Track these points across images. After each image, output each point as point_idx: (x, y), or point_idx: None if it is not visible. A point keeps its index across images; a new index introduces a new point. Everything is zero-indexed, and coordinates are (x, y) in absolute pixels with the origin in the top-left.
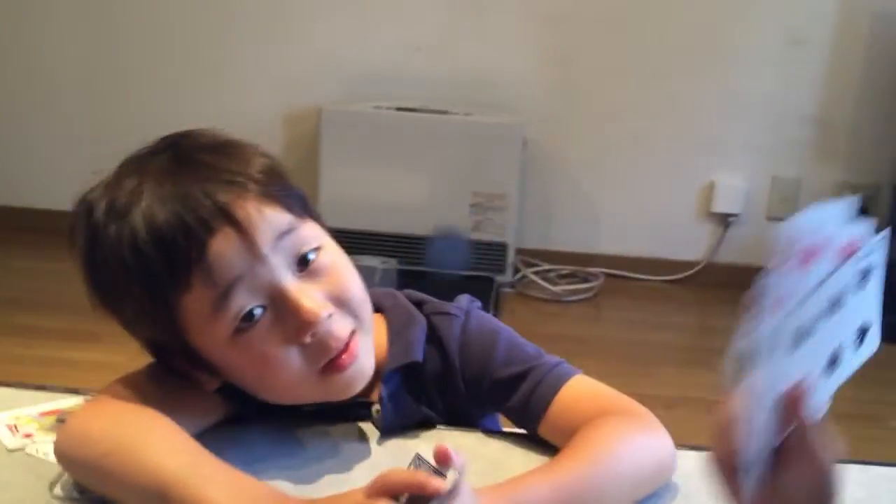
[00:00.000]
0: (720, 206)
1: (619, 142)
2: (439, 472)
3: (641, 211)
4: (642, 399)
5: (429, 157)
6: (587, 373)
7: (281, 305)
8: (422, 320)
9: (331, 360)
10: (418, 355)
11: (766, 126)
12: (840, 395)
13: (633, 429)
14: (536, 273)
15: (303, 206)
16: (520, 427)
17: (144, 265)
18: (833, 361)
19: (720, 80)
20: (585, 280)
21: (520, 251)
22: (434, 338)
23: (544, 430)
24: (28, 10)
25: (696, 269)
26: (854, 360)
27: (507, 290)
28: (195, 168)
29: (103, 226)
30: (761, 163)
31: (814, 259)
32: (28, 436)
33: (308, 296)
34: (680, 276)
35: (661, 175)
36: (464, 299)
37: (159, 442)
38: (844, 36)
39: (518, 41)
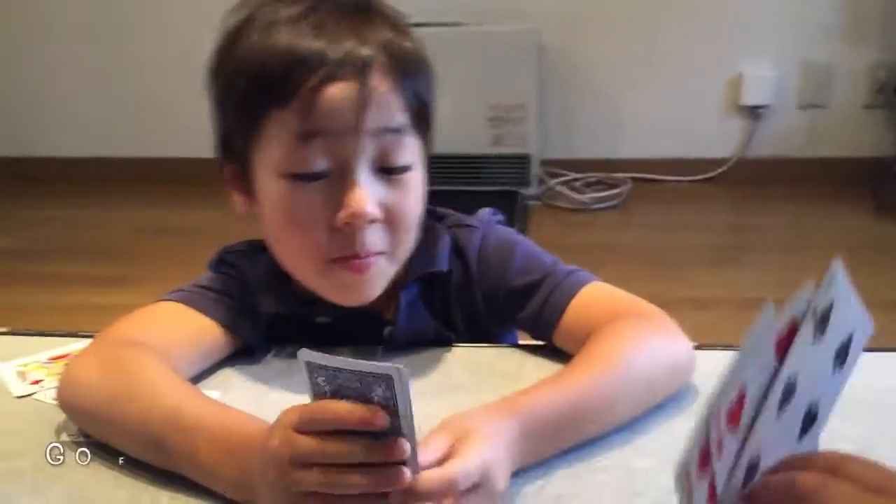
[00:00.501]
0: (749, 99)
1: (638, 39)
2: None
3: (666, 110)
4: (672, 302)
5: (442, 72)
6: (617, 280)
7: (341, 184)
8: (445, 233)
9: (346, 259)
10: (444, 265)
11: (792, 8)
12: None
13: (646, 331)
14: (562, 183)
15: (421, 112)
16: (536, 338)
17: (265, 69)
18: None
19: None
20: (613, 186)
21: (543, 162)
22: (456, 249)
23: (559, 339)
24: None
25: (727, 166)
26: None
27: (533, 202)
28: (347, 13)
29: (247, 29)
30: (790, 48)
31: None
32: (36, 382)
33: (368, 194)
34: (710, 174)
35: (685, 70)
36: (485, 213)
37: (153, 389)
38: None
39: None
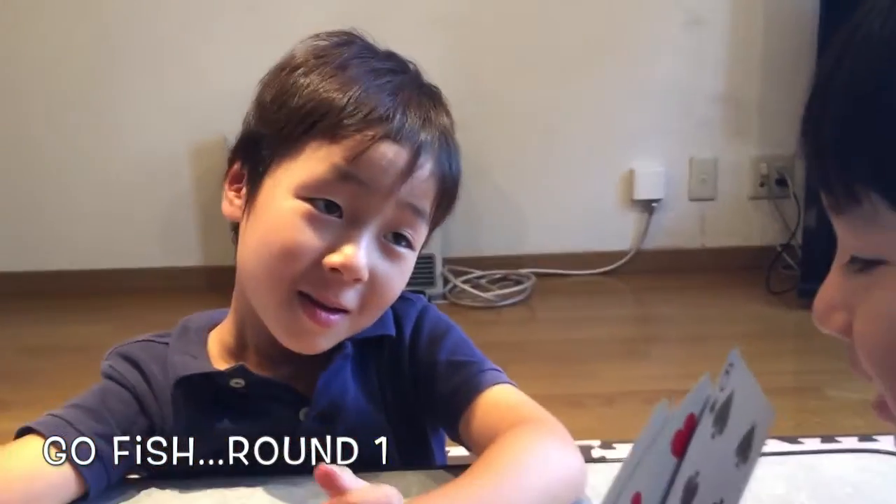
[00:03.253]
0: (642, 193)
1: (535, 140)
2: None
3: (565, 207)
4: (581, 399)
5: None
6: (526, 377)
7: (348, 232)
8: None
9: (312, 303)
10: (391, 329)
11: (677, 109)
12: (777, 369)
13: (546, 442)
14: (467, 281)
15: (442, 206)
16: (444, 425)
17: (334, 97)
18: None
19: (626, 68)
20: (517, 283)
21: (447, 260)
22: (393, 318)
23: (463, 429)
24: None
25: (626, 258)
26: None
27: (440, 301)
28: (422, 91)
29: (324, 59)
30: (677, 146)
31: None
32: None
33: (366, 254)
34: (610, 267)
35: (581, 168)
36: (422, 296)
37: None
38: (741, 11)
39: (420, 50)
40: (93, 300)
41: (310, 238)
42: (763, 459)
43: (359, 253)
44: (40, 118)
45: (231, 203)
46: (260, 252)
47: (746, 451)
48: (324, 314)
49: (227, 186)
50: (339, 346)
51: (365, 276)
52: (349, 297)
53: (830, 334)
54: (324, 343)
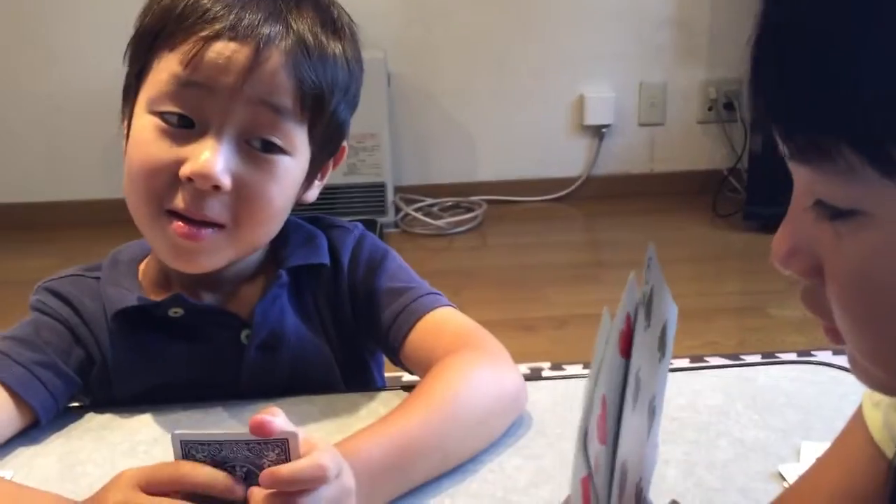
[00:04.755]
0: (592, 119)
1: (484, 66)
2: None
3: (515, 133)
4: (532, 323)
5: None
6: (477, 303)
7: (202, 140)
8: (321, 233)
9: (179, 217)
10: (325, 258)
11: (627, 34)
12: (722, 290)
13: (479, 366)
14: (418, 209)
15: (316, 105)
16: (386, 351)
17: (170, 9)
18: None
19: None
20: (469, 210)
21: (399, 189)
22: (330, 248)
23: (405, 355)
24: None
25: (577, 184)
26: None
27: (391, 230)
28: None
29: None
30: (627, 71)
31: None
32: None
33: (221, 159)
34: (561, 193)
35: (530, 95)
36: (359, 224)
37: None
38: None
39: None
40: (35, 233)
41: (163, 151)
42: (702, 372)
43: (212, 159)
44: None
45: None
46: (127, 176)
47: (662, 347)
48: (191, 228)
49: (125, 130)
50: (274, 275)
51: (222, 182)
52: (215, 209)
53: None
54: (206, 261)
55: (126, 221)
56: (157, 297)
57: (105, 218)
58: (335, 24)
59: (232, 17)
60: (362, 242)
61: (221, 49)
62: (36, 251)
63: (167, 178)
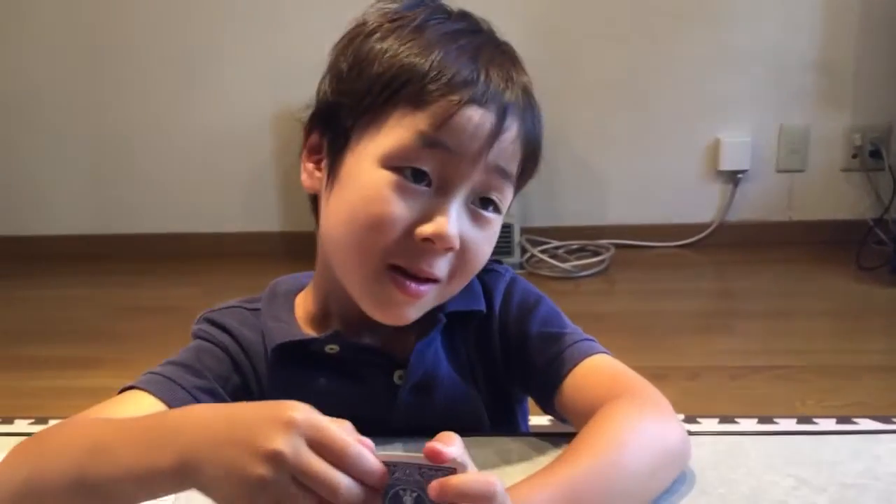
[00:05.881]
0: (728, 164)
1: (618, 109)
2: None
3: (647, 177)
4: (664, 372)
5: None
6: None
7: (438, 200)
8: (474, 277)
9: (403, 275)
10: (481, 304)
11: (768, 77)
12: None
13: (644, 416)
14: (545, 251)
15: (527, 164)
16: (538, 399)
17: (415, 64)
18: None
19: (716, 33)
20: (596, 253)
21: (526, 230)
22: (482, 291)
23: (560, 403)
24: (8, 26)
25: (708, 231)
26: None
27: (517, 271)
28: (500, 51)
29: (398, 22)
30: (766, 114)
31: None
32: None
33: (457, 223)
34: (692, 239)
35: (665, 138)
36: (509, 267)
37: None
38: None
39: (505, 16)
40: (179, 263)
41: (399, 209)
42: (879, 436)
43: (451, 222)
44: (129, 85)
45: (311, 175)
46: (348, 225)
47: None
48: (414, 285)
49: (304, 158)
50: (433, 317)
51: (457, 244)
52: (441, 267)
53: None
54: (412, 314)
55: (264, 255)
56: (312, 332)
57: (242, 250)
58: (524, 69)
59: (481, 81)
60: (514, 286)
61: (472, 115)
62: (180, 281)
63: (399, 236)
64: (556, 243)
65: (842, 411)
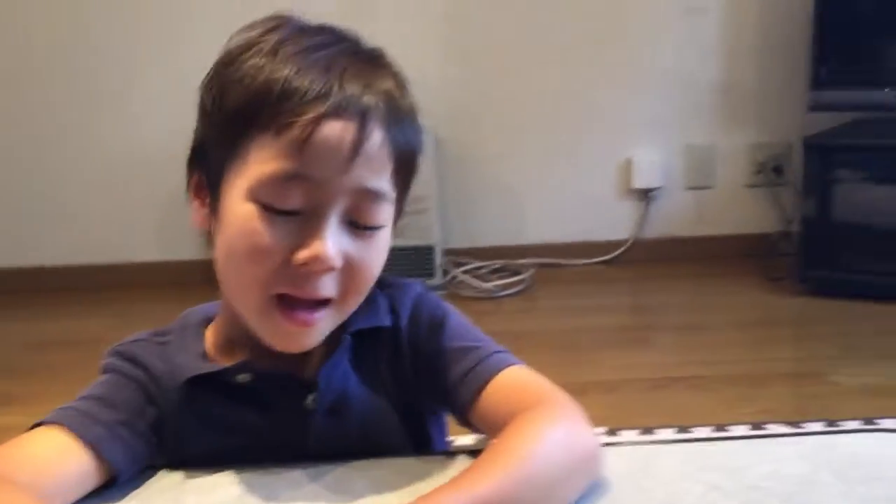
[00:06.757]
0: (640, 182)
1: (531, 130)
2: None
3: (564, 196)
4: (584, 387)
5: None
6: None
7: (310, 225)
8: (379, 292)
9: (291, 304)
10: (386, 320)
11: (673, 97)
12: (777, 356)
13: (555, 427)
14: (466, 272)
15: (404, 169)
16: (454, 412)
17: (263, 90)
18: None
19: (624, 56)
20: (516, 273)
21: (447, 252)
22: (388, 307)
23: (476, 416)
24: None
25: (624, 247)
26: None
27: (439, 292)
28: (359, 58)
29: (255, 47)
30: (674, 134)
31: None
32: None
33: (333, 243)
34: (609, 256)
35: (578, 158)
36: (417, 283)
37: None
38: (737, 1)
39: (417, 41)
40: (92, 294)
41: (272, 239)
42: (782, 439)
43: (326, 244)
44: (39, 114)
45: (198, 213)
46: (229, 259)
47: None
48: (302, 314)
49: (192, 196)
50: (337, 339)
51: (337, 264)
52: (327, 286)
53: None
54: (310, 340)
55: (181, 284)
56: (222, 362)
57: (159, 280)
58: (398, 76)
59: (334, 92)
60: (422, 301)
61: (328, 134)
62: (93, 312)
63: (278, 265)
64: (477, 263)
65: (754, 418)
